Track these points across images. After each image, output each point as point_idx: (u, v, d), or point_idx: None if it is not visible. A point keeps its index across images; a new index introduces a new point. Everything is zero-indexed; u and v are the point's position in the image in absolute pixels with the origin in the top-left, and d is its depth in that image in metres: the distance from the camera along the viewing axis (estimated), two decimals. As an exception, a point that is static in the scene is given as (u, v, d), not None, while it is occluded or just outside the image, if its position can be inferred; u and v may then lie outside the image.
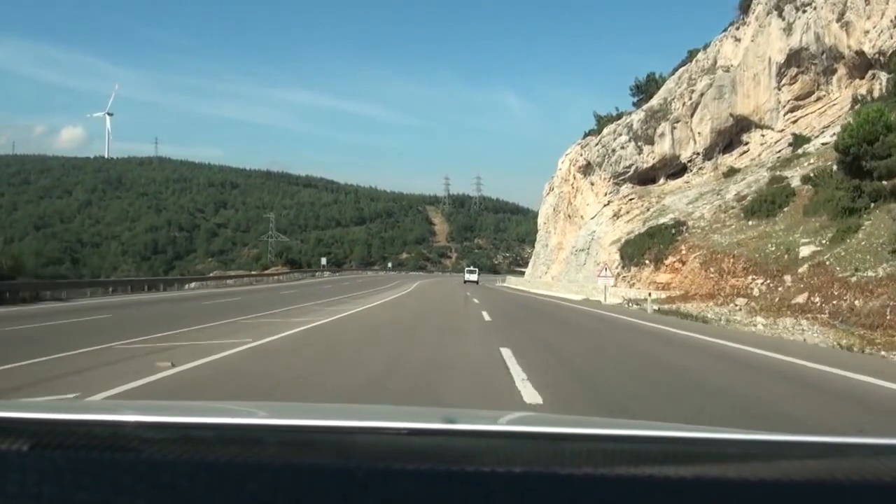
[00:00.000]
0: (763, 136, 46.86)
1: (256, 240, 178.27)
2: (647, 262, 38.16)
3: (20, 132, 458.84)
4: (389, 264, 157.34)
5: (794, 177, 34.76)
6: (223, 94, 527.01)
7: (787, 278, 24.51)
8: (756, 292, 25.34)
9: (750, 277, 26.93)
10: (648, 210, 47.28)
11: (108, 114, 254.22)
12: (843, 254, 22.99)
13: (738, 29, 50.84)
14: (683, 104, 50.87)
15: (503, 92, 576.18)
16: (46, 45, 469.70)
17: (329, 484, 0.93)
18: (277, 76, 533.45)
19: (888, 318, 16.96)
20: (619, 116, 59.73)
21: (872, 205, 25.07)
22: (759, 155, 45.92)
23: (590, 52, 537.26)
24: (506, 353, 11.02)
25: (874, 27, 36.40)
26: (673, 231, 37.71)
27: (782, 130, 45.00)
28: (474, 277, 72.57)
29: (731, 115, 47.89)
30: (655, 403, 7.36)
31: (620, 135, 54.02)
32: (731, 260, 29.42)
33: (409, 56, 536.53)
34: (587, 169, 59.34)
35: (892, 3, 34.87)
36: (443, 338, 14.01)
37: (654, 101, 54.26)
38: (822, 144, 36.96)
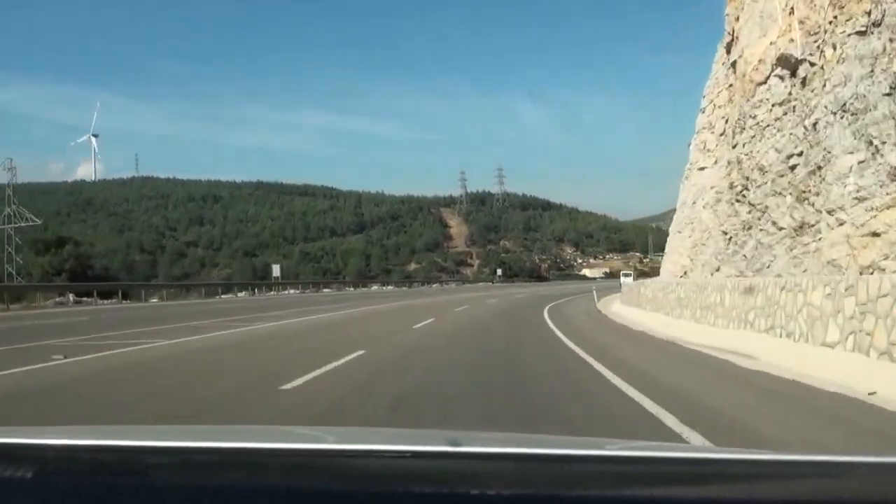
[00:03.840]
0: None
1: (229, 258, 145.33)
2: None
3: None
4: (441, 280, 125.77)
5: None
6: (237, 120, 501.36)
7: None
8: None
9: None
10: None
11: (93, 135, 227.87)
12: None
13: None
14: None
15: (517, 97, 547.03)
16: (53, 84, 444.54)
17: None
18: (291, 100, 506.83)
19: None
20: None
21: None
22: None
23: (601, 52, 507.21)
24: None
25: None
26: None
27: None
28: (630, 279, 67.97)
29: None
30: None
31: None
32: None
33: (422, 70, 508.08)
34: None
35: None
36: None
37: None
38: None
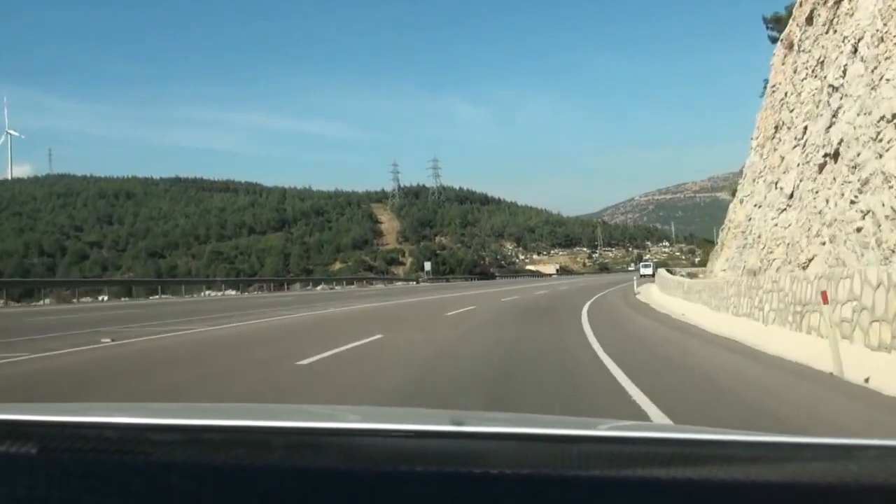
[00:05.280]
0: None
1: (133, 260, 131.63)
2: None
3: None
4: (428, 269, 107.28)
5: None
6: (169, 119, 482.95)
7: None
8: None
9: None
10: None
11: (9, 133, 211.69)
12: None
13: None
14: None
15: (457, 96, 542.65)
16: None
17: (336, 486, 0.93)
18: (234, 100, 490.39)
19: None
20: None
21: None
22: None
23: (545, 54, 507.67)
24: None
25: None
26: None
27: None
28: (650, 271, 68.57)
29: None
30: None
31: None
32: None
33: (361, 68, 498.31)
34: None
35: None
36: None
37: None
38: None
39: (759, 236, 21.38)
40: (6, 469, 1.01)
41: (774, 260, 18.87)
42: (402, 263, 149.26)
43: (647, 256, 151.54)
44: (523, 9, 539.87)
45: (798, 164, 18.18)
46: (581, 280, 68.75)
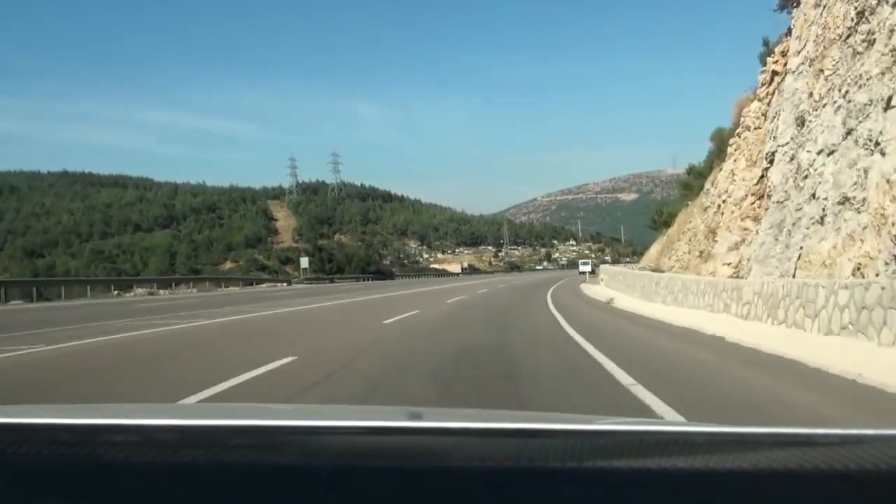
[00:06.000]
0: None
1: (9, 260, 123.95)
2: None
3: None
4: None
5: None
6: (73, 116, 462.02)
7: None
8: None
9: None
10: None
11: None
12: None
13: None
14: None
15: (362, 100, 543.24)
16: None
17: (294, 484, 0.92)
18: (130, 95, 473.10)
19: None
20: None
21: None
22: None
23: (450, 57, 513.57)
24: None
25: None
26: None
27: None
28: (588, 268, 72.05)
29: None
30: None
31: None
32: None
33: (262, 68, 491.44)
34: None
35: None
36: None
37: None
38: None
39: (860, 200, 12.85)
40: None
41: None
42: (296, 262, 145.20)
43: (586, 254, 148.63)
44: (428, 13, 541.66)
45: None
46: (498, 281, 58.86)
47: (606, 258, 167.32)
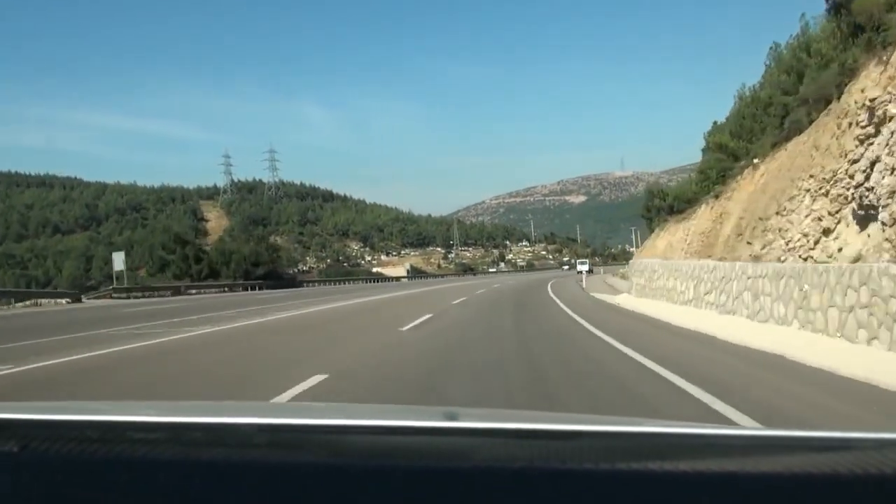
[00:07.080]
0: None
1: None
2: None
3: None
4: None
5: None
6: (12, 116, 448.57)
7: None
8: None
9: None
10: None
11: None
12: None
13: None
14: None
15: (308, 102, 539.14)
16: None
17: (322, 483, 0.92)
18: (69, 96, 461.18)
19: None
20: None
21: None
22: None
23: (397, 60, 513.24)
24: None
25: None
26: None
27: None
28: (586, 268, 73.84)
29: None
30: None
31: None
32: None
33: (215, 73, 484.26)
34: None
35: None
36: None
37: None
38: None
39: None
40: None
41: None
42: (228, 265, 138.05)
43: (584, 254, 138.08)
44: (376, 14, 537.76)
45: None
46: (448, 287, 46.25)
47: (566, 258, 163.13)
